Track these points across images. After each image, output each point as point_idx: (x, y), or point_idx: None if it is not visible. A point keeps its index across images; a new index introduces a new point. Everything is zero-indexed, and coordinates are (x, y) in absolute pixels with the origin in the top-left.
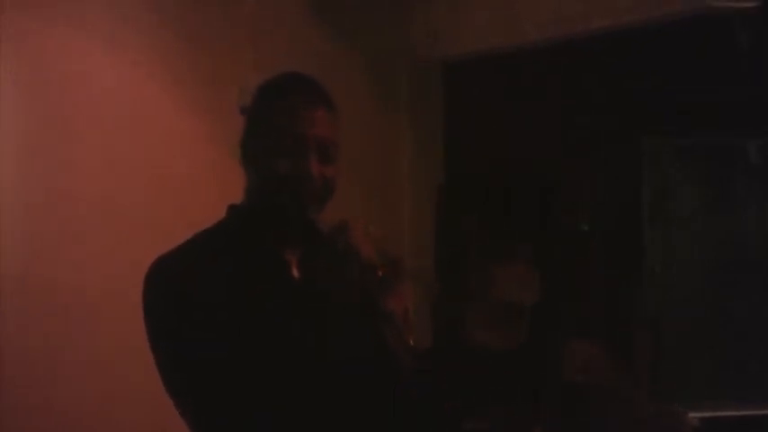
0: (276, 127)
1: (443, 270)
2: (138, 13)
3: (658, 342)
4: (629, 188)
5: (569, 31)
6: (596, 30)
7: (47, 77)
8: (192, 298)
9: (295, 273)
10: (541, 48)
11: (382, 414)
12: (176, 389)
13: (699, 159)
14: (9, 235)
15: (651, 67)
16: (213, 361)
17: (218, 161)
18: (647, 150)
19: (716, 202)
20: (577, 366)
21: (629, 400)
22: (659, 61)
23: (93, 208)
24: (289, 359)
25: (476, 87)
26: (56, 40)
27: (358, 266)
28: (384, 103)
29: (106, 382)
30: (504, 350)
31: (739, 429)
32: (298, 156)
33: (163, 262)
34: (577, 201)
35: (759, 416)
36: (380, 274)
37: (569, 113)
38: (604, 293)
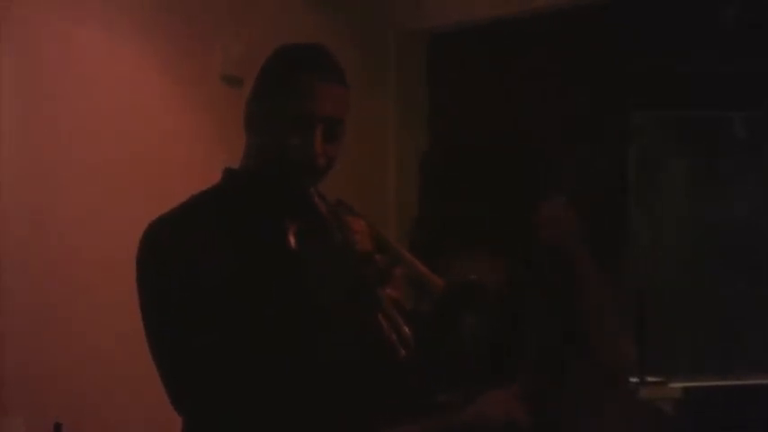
0: (286, 102)
1: (417, 248)
2: None
3: (643, 313)
4: (616, 160)
5: (555, 2)
6: (582, 1)
7: (31, 50)
8: (187, 261)
9: (291, 241)
10: (527, 19)
11: (371, 394)
12: (162, 353)
13: (685, 132)
14: (9, 200)
15: (639, 40)
16: (203, 325)
17: (202, 130)
18: (635, 123)
19: (702, 174)
20: (544, 221)
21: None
22: (648, 34)
23: (85, 172)
24: (281, 327)
25: (461, 58)
26: (44, 20)
27: (355, 255)
28: (369, 75)
29: (101, 339)
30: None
31: (722, 399)
32: (305, 135)
33: (159, 224)
34: (560, 171)
35: (741, 386)
36: (377, 261)
37: (555, 86)
38: None
